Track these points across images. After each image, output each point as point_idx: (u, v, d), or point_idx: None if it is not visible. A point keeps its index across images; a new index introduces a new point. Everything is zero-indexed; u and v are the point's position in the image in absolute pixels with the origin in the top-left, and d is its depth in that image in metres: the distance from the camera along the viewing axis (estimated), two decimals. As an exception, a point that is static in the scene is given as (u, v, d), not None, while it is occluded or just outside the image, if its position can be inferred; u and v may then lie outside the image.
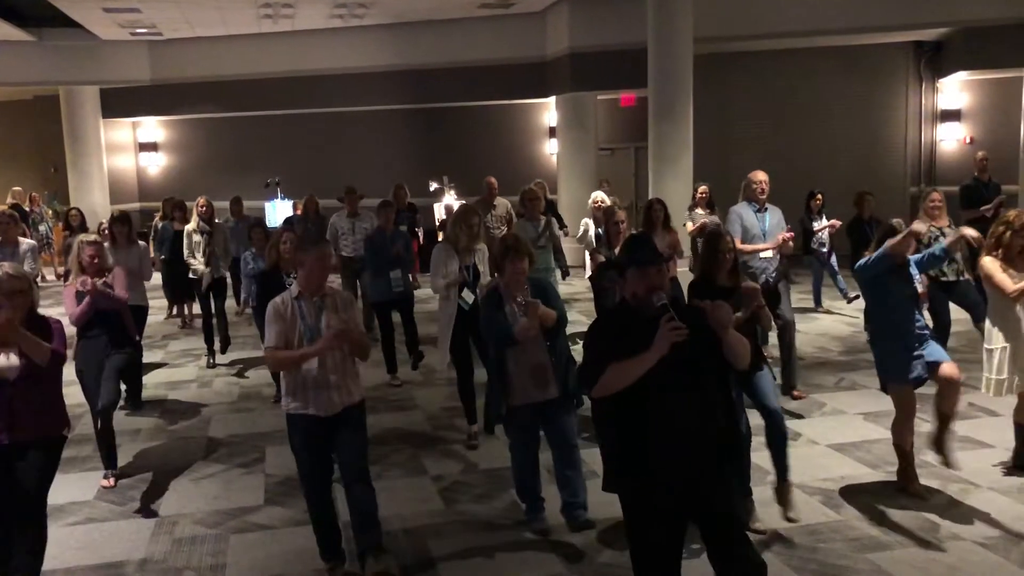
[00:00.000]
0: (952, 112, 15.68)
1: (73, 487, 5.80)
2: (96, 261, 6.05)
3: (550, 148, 17.43)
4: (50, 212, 16.94)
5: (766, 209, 7.28)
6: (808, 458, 5.95)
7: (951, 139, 15.76)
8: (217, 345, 9.45)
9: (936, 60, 15.64)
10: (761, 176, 7.29)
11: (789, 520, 4.95)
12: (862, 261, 5.34)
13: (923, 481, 5.35)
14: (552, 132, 17.26)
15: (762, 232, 7.15)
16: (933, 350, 5.22)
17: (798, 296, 8.46)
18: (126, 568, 4.73)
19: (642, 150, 14.84)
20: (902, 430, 5.30)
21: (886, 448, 5.82)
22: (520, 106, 17.54)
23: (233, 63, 17.82)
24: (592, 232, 8.49)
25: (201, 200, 9.52)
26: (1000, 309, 5.37)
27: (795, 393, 7.29)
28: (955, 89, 15.68)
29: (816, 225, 10.68)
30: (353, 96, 17.60)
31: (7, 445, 4.10)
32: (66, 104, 18.46)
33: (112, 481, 5.95)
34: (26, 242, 7.99)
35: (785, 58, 15.71)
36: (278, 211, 14.55)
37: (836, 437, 6.37)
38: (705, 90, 13.36)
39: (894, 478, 5.45)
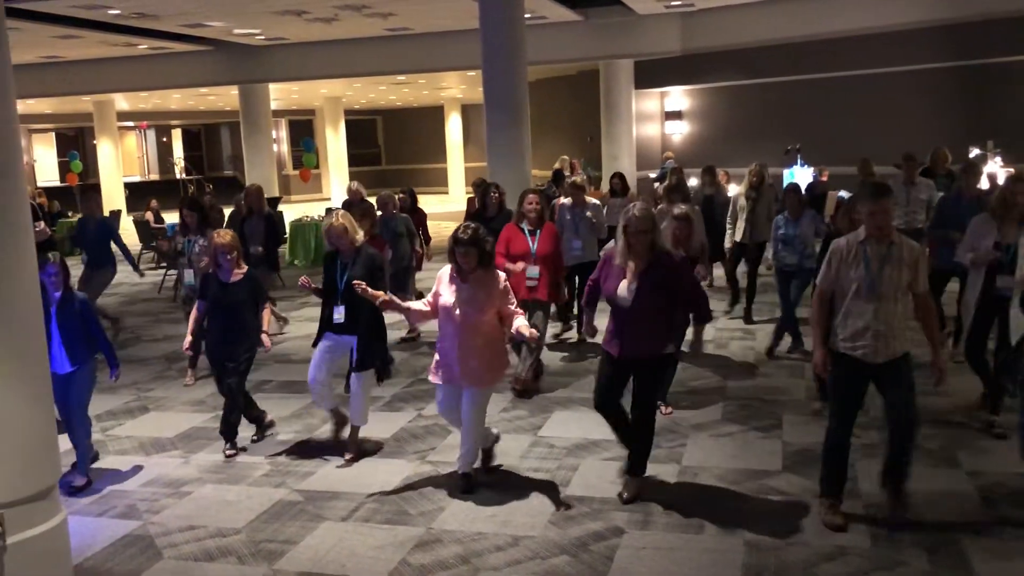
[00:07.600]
0: None
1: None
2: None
3: None
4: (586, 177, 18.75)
5: None
6: None
7: None
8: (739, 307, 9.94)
9: None
10: None
11: None
12: None
13: None
14: None
15: None
16: None
17: None
18: (649, 508, 5.13)
19: None
20: None
21: None
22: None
23: (761, 29, 17.78)
24: None
25: (753, 167, 9.79)
26: None
27: None
28: None
29: None
30: (883, 56, 16.49)
31: (631, 360, 5.03)
32: (604, 77, 20.14)
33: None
34: (592, 201, 8.92)
35: None
36: (797, 178, 14.31)
37: None
38: None
39: None
